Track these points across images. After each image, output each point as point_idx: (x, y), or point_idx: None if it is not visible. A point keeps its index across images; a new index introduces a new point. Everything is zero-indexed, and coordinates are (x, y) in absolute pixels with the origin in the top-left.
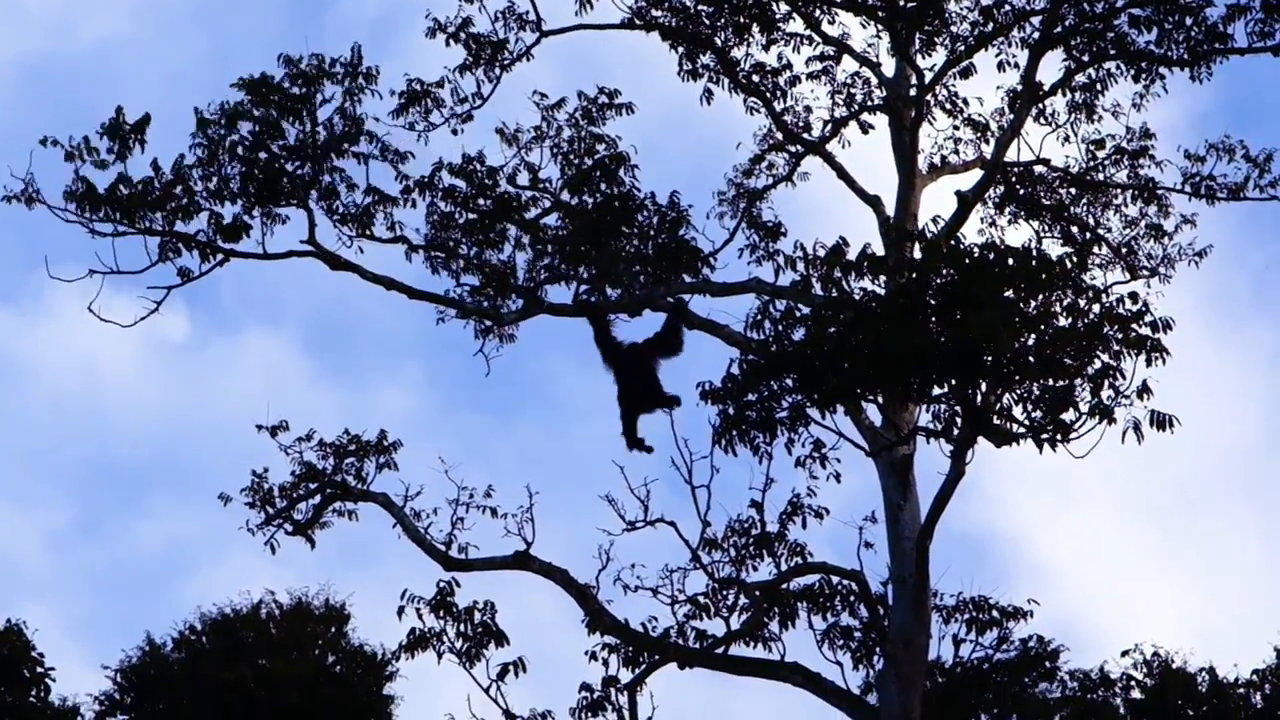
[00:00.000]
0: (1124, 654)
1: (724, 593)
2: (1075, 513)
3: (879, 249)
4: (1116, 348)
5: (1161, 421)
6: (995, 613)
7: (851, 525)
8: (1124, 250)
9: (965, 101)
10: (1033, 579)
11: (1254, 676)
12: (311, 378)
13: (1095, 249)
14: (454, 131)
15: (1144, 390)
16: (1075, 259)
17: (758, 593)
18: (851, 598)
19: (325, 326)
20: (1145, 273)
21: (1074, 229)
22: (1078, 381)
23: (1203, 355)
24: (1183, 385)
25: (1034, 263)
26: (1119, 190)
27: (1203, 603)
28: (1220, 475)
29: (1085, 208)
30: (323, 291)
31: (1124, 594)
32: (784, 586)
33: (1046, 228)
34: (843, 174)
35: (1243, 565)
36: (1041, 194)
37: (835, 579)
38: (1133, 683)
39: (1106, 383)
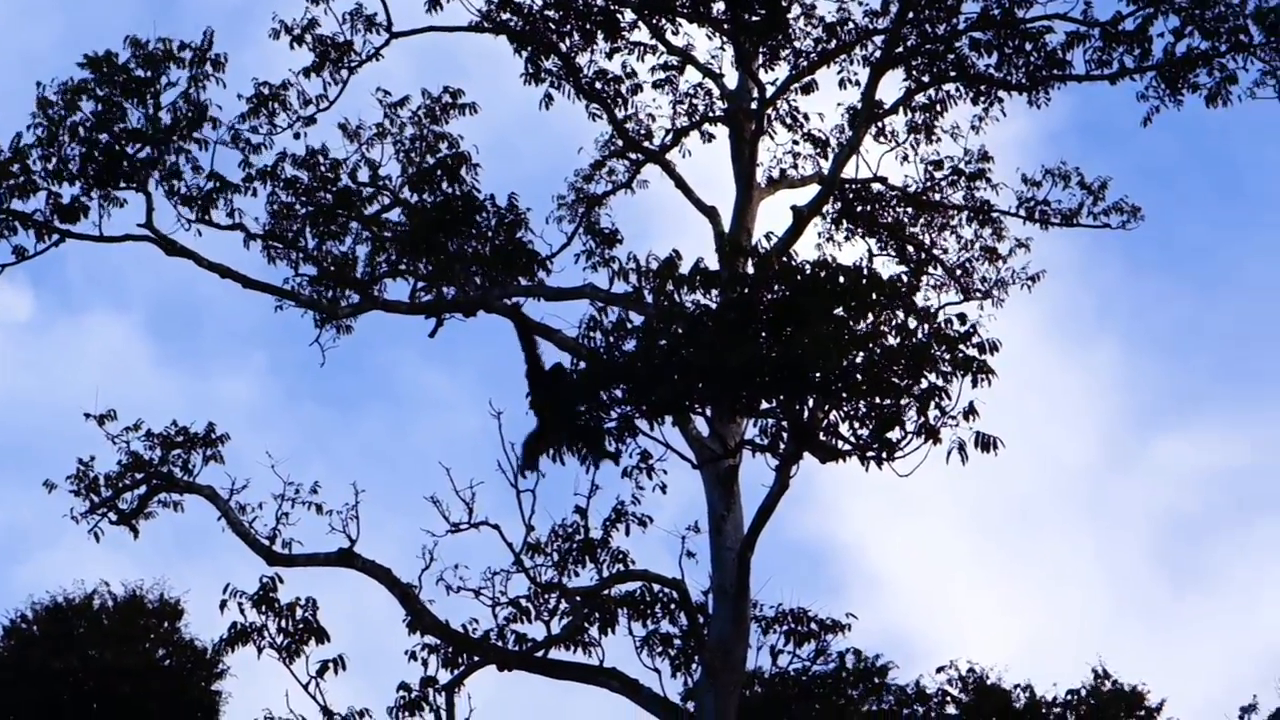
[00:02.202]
0: (939, 670)
1: (545, 597)
2: (914, 524)
3: (714, 261)
4: (944, 368)
5: (986, 443)
6: (814, 625)
7: (675, 534)
8: (958, 271)
9: (806, 117)
10: (868, 589)
11: (1070, 696)
12: (156, 362)
13: (930, 269)
14: (296, 135)
15: (970, 411)
16: (907, 279)
17: (579, 598)
18: (672, 606)
19: (171, 310)
20: (979, 294)
21: (910, 248)
22: (904, 401)
23: (1048, 374)
24: (1027, 403)
25: (864, 281)
26: (955, 211)
27: (1035, 619)
28: (1060, 492)
29: (921, 227)
30: (169, 275)
31: (958, 607)
32: (605, 593)
33: (882, 245)
34: (681, 184)
35: (1077, 582)
36: (879, 212)
37: (657, 587)
38: (948, 698)
39: (933, 403)
